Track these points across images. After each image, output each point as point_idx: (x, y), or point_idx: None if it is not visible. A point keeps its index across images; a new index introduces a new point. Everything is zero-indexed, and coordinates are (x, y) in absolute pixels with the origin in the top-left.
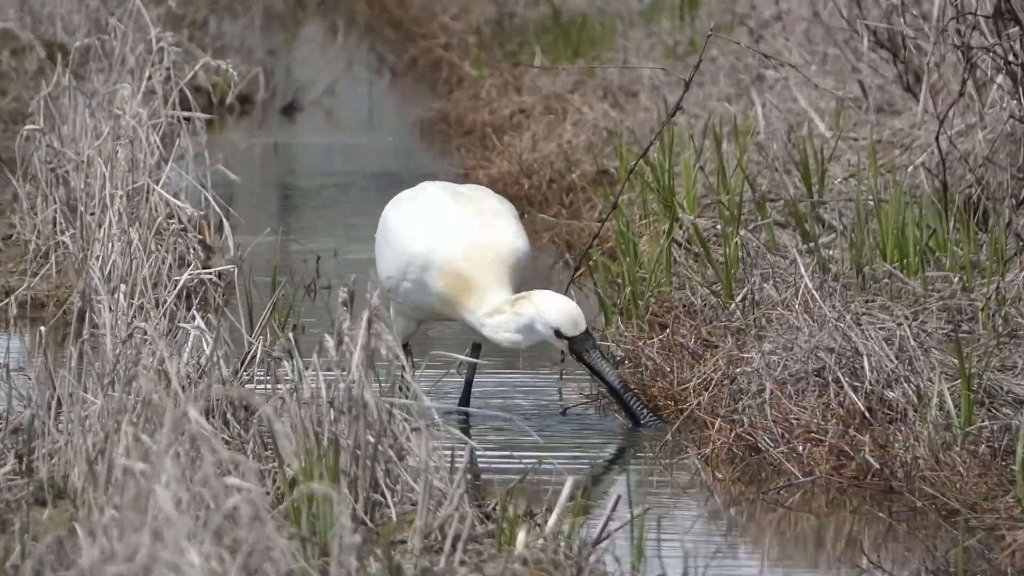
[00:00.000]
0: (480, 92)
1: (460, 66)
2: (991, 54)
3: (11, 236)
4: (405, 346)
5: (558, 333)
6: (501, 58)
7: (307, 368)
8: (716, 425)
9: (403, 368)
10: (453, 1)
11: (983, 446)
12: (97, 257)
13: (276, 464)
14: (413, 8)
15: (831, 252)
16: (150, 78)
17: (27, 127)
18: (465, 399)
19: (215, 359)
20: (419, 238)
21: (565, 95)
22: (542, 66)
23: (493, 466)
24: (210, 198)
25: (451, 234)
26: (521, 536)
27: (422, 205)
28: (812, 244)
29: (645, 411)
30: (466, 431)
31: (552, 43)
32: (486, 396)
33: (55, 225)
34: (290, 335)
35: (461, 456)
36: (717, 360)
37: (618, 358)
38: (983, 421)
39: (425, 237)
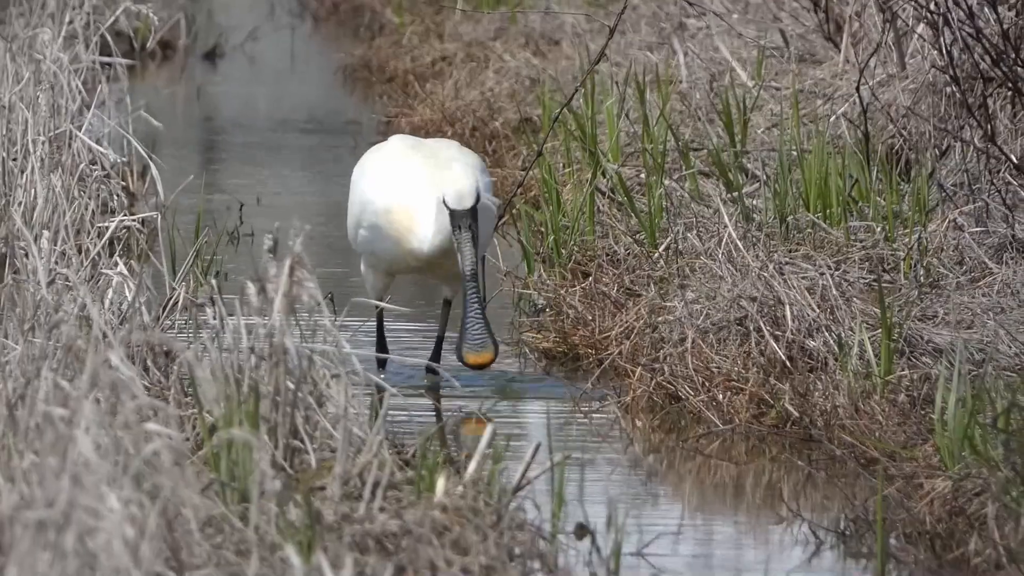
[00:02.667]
0: (402, 39)
1: (382, 12)
2: (912, 3)
3: None
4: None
5: (444, 203)
6: (423, 4)
7: (229, 315)
8: (637, 373)
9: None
10: None
11: (902, 395)
12: (19, 203)
13: (196, 410)
14: None
15: (754, 202)
16: (71, 22)
17: None
18: (436, 355)
19: (137, 305)
20: (371, 184)
21: (487, 42)
22: (464, 12)
23: (413, 413)
24: (134, 144)
25: (400, 178)
26: (441, 483)
27: (380, 156)
28: (736, 194)
29: (481, 328)
30: (436, 385)
31: None
32: (407, 345)
33: None
34: (213, 282)
35: (381, 403)
36: (639, 309)
37: (539, 306)
38: (903, 370)
39: (376, 182)
